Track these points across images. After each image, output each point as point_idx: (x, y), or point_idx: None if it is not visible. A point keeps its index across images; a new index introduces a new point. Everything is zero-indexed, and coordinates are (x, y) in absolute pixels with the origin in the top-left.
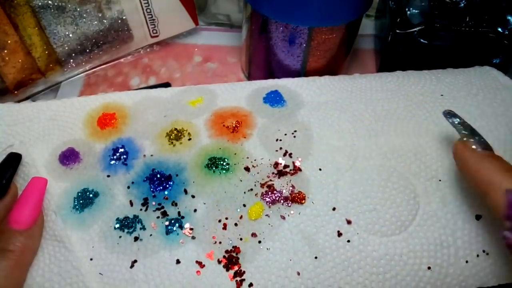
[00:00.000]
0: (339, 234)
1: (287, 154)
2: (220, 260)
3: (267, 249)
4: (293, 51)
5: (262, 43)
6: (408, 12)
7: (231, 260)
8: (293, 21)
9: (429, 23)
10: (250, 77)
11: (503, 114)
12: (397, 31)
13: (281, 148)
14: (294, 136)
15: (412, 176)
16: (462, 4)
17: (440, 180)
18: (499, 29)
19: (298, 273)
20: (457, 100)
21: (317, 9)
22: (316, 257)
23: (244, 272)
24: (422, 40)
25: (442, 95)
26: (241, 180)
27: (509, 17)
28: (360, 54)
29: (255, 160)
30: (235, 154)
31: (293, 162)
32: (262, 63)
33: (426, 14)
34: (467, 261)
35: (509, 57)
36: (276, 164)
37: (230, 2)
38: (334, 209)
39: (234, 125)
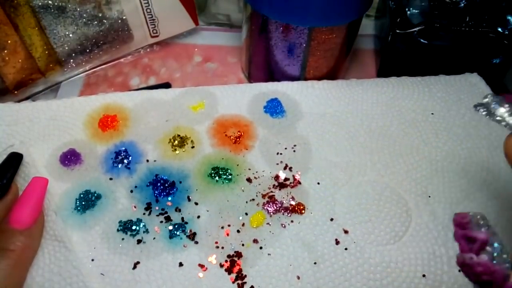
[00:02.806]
0: (337, 242)
1: (288, 168)
2: (222, 264)
3: (268, 254)
4: (293, 51)
5: (262, 43)
6: (408, 12)
7: (233, 264)
8: (293, 21)
9: (429, 23)
10: (250, 77)
11: (486, 137)
12: (397, 31)
13: (281, 162)
14: (294, 151)
15: (404, 192)
16: (462, 4)
17: (429, 196)
18: (499, 29)
19: (298, 278)
20: (446, 120)
21: (317, 9)
22: (315, 263)
23: (245, 275)
24: (422, 40)
25: (432, 113)
26: (243, 190)
27: (509, 17)
28: (360, 54)
29: (256, 172)
30: (237, 165)
31: (293, 176)
32: (262, 63)
33: (426, 14)
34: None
35: (509, 57)
36: (277, 177)
37: (230, 2)
38: (332, 219)
39: (236, 136)
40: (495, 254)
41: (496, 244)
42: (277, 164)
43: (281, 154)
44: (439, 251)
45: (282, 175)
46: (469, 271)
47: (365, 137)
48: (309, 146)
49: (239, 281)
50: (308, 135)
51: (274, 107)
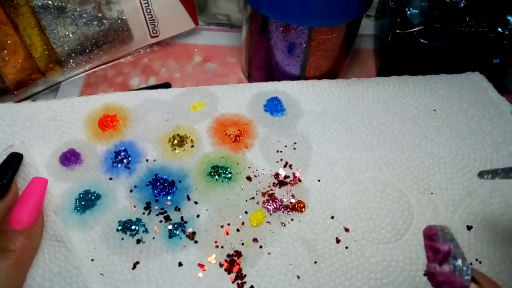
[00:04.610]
0: (338, 241)
1: (288, 165)
2: (221, 263)
3: (268, 253)
4: (293, 51)
5: (262, 43)
6: (408, 12)
7: (232, 263)
8: (293, 21)
9: (429, 23)
10: (250, 77)
11: (490, 133)
12: (397, 31)
13: (281, 160)
14: (294, 148)
15: (406, 189)
16: (462, 4)
17: (432, 193)
18: (499, 29)
19: (298, 277)
20: (449, 116)
21: (317, 9)
22: (315, 262)
23: (245, 275)
24: (422, 40)
25: (434, 110)
26: (243, 189)
27: (509, 17)
28: (360, 54)
29: (256, 170)
30: (237, 163)
31: (293, 173)
32: (262, 63)
33: (426, 14)
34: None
35: (509, 57)
36: (277, 175)
37: (230, 2)
38: (332, 217)
39: (236, 134)
40: (456, 266)
41: (457, 258)
42: (277, 162)
43: (281, 152)
44: None
45: (282, 173)
46: (432, 279)
47: (366, 134)
48: (310, 143)
49: (239, 281)
50: (309, 133)
51: (274, 106)
